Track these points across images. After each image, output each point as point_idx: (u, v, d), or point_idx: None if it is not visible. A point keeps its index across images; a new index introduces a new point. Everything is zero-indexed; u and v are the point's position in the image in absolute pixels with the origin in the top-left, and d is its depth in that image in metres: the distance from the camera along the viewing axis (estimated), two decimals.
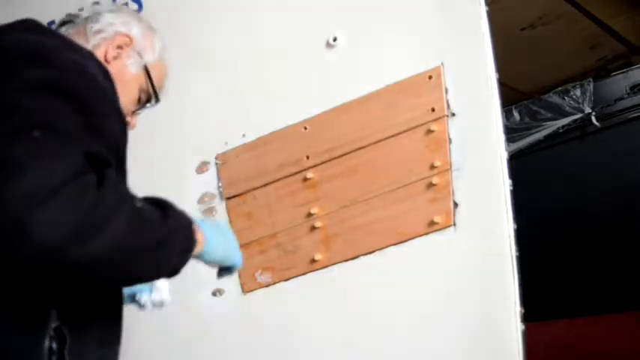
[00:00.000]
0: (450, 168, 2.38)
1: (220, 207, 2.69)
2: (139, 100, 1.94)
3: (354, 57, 2.53)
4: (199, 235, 1.63)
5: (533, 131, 5.29)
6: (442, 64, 2.40)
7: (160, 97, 1.98)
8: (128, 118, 1.89)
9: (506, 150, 2.34)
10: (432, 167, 2.40)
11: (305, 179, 2.58)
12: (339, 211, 2.53)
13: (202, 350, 2.72)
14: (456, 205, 2.37)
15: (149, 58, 1.91)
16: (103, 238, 1.27)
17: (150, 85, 1.93)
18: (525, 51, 4.70)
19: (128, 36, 1.88)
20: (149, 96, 1.95)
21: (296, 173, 2.59)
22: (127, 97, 1.84)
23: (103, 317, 1.55)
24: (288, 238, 2.59)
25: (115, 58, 1.85)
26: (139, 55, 1.90)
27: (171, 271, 1.53)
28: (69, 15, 2.00)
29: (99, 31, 1.87)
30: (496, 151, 2.33)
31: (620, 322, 4.86)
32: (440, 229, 2.38)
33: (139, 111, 1.97)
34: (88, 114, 1.41)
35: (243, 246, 2.65)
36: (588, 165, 5.44)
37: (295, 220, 2.58)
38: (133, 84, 1.89)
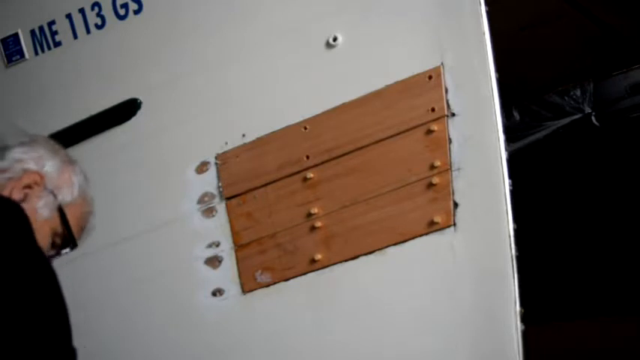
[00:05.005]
0: (450, 168, 2.38)
1: (220, 207, 2.68)
2: (54, 244, 1.72)
3: (354, 57, 2.53)
4: None
5: (533, 131, 5.28)
6: (442, 64, 2.40)
7: (79, 241, 1.75)
8: None
9: (506, 150, 2.34)
10: (432, 167, 2.40)
11: (305, 179, 2.57)
12: (339, 211, 2.53)
13: (202, 350, 2.72)
14: (456, 205, 2.37)
15: (66, 197, 1.70)
16: None
17: (65, 229, 1.71)
18: (525, 51, 4.69)
19: (39, 174, 1.66)
20: (65, 240, 1.73)
21: (296, 173, 2.59)
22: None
23: None
24: (288, 238, 2.59)
25: (22, 200, 1.62)
26: (53, 194, 1.68)
27: None
28: None
29: (3, 171, 1.65)
30: (496, 151, 2.33)
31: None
32: (440, 229, 2.38)
33: (56, 257, 1.73)
34: None
35: (243, 246, 2.66)
36: (588, 165, 5.44)
37: (295, 220, 2.58)
38: (44, 228, 1.65)
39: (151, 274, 2.77)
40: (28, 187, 1.65)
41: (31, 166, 1.67)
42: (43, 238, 1.64)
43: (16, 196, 1.62)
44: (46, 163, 1.69)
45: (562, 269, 5.38)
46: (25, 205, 1.59)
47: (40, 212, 1.65)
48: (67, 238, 1.73)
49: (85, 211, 1.77)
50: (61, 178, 1.70)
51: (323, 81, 2.58)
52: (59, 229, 1.70)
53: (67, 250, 1.74)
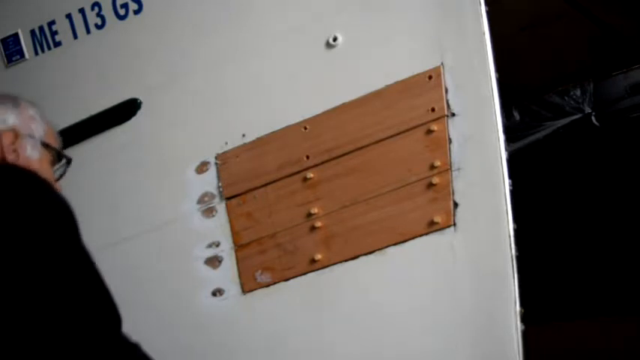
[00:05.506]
0: (450, 168, 2.38)
1: (220, 207, 2.69)
2: (55, 170, 1.92)
3: (354, 57, 2.53)
4: None
5: (533, 131, 5.29)
6: (442, 64, 2.40)
7: (68, 156, 1.95)
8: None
9: (506, 150, 2.34)
10: (432, 167, 2.40)
11: (305, 179, 2.57)
12: (339, 211, 2.53)
13: (202, 350, 2.72)
14: (456, 205, 2.37)
15: (39, 131, 1.87)
16: None
17: (55, 153, 1.91)
18: (525, 51, 4.70)
19: (11, 129, 1.81)
20: (56, 159, 1.93)
21: (296, 173, 2.59)
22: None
23: None
24: (288, 238, 2.59)
25: (17, 158, 1.78)
26: (30, 136, 1.84)
27: None
28: None
29: None
30: (496, 151, 2.33)
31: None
32: (440, 229, 2.38)
33: (61, 174, 1.95)
34: None
35: (243, 246, 2.66)
36: (588, 165, 5.44)
37: (295, 220, 2.58)
38: (44, 166, 1.85)
39: (151, 274, 2.78)
40: (12, 144, 1.80)
41: (1, 127, 1.82)
42: (47, 172, 1.86)
43: (11, 157, 1.79)
44: (7, 117, 1.84)
45: (562, 269, 5.38)
46: (20, 160, 1.79)
47: (33, 157, 1.83)
48: (59, 157, 1.93)
49: (53, 127, 1.95)
50: (25, 121, 1.86)
51: (323, 81, 2.58)
52: (51, 156, 1.90)
53: (64, 164, 1.95)
